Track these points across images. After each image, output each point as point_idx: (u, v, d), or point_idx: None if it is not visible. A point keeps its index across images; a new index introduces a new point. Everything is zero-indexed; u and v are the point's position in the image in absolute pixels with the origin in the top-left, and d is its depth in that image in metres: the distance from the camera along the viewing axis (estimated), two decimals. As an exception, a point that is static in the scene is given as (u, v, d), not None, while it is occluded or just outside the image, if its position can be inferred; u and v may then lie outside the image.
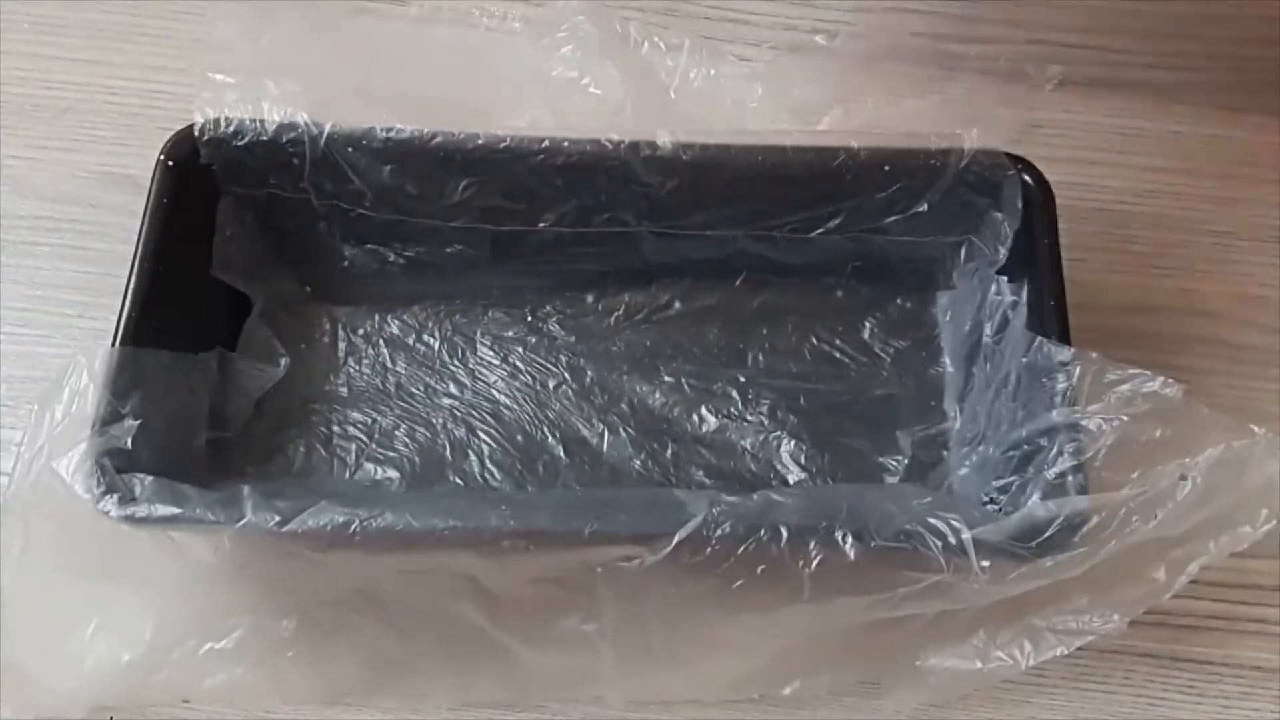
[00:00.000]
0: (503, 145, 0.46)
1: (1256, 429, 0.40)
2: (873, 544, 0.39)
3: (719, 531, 0.39)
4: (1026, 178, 0.47)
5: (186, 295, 0.46)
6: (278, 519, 0.39)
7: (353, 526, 0.38)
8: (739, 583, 0.39)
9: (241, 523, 0.38)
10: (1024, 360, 0.44)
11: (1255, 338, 0.52)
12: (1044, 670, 0.45)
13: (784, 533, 0.39)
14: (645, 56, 0.51)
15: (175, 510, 0.39)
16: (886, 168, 0.47)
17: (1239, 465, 0.39)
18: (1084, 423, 0.41)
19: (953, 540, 0.39)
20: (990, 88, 0.55)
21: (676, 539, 0.38)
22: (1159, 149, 0.57)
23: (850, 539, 0.39)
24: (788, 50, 0.53)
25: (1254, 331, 0.52)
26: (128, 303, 0.43)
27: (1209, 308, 0.53)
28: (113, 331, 0.43)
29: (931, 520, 0.39)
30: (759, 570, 0.39)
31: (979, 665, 0.41)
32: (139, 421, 0.41)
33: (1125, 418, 0.41)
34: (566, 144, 0.46)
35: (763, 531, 0.39)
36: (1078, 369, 0.42)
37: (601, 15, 0.51)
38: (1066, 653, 0.41)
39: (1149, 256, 0.54)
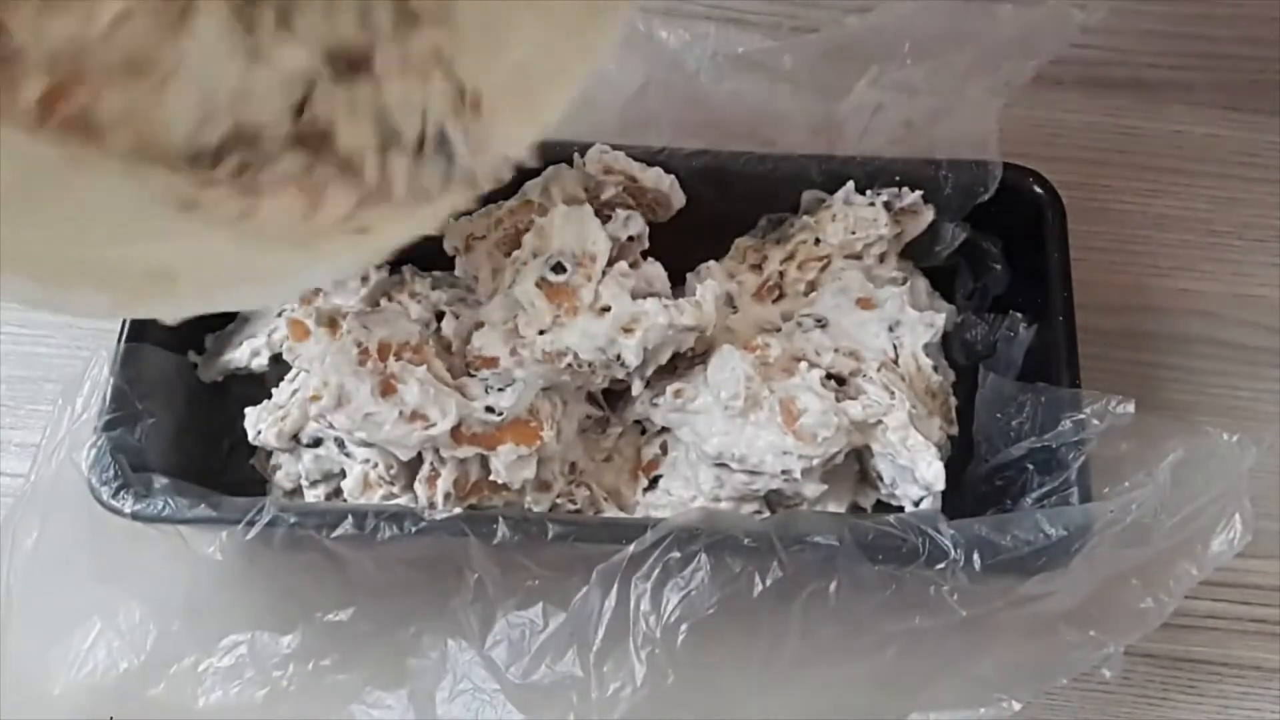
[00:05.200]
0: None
1: (1211, 429, 0.40)
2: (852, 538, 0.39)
3: (685, 536, 0.39)
4: (1038, 189, 0.47)
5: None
6: (295, 517, 0.39)
7: (368, 514, 0.39)
8: (712, 606, 0.39)
9: (262, 513, 0.39)
10: (983, 397, 0.45)
11: (1255, 338, 0.52)
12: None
13: (744, 541, 0.39)
14: (668, 45, 0.51)
15: (190, 508, 0.40)
16: (896, 176, 0.47)
17: (1204, 467, 0.40)
18: (1040, 451, 0.42)
19: (931, 532, 0.39)
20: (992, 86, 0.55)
21: (650, 535, 0.39)
22: (1159, 149, 0.57)
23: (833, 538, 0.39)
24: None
25: (1254, 331, 0.52)
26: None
27: (1209, 308, 0.53)
28: (117, 331, 0.44)
29: (912, 521, 0.40)
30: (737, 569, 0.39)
31: (981, 712, 0.40)
32: (154, 420, 0.42)
33: (1084, 440, 0.41)
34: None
35: (746, 539, 0.39)
36: (1030, 401, 0.43)
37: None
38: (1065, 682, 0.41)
39: (1149, 256, 0.54)
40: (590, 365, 0.42)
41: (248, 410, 0.44)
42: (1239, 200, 0.55)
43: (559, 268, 0.42)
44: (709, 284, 0.43)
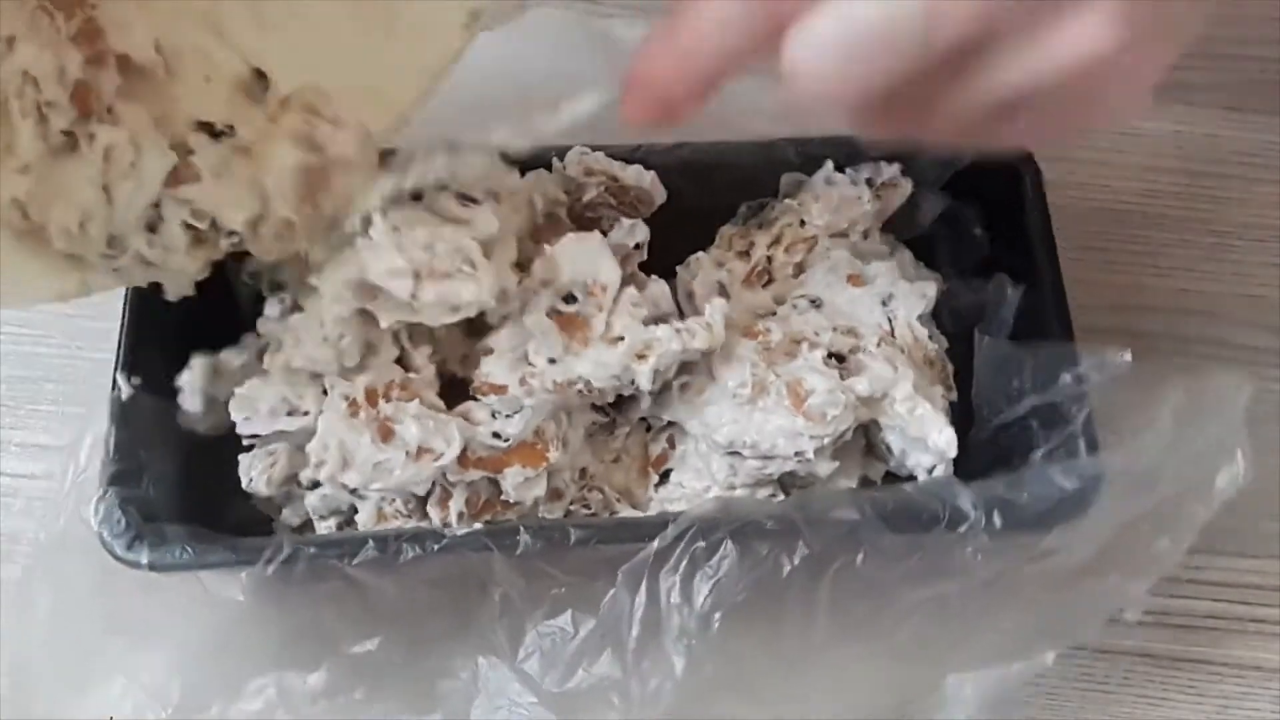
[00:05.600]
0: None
1: (1206, 368, 0.42)
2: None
3: (707, 526, 0.39)
4: (1014, 153, 0.47)
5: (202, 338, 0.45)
6: (315, 548, 0.39)
7: (388, 537, 0.39)
8: (742, 592, 0.39)
9: (281, 549, 0.39)
10: (981, 359, 0.45)
11: (1255, 338, 0.52)
12: (1043, 670, 0.45)
13: (767, 525, 0.39)
14: (625, 44, 0.51)
15: (208, 552, 0.39)
16: (873, 152, 0.47)
17: (1202, 407, 0.40)
18: (1043, 408, 0.42)
19: (949, 497, 0.39)
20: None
21: (671, 529, 0.39)
22: (1159, 149, 0.57)
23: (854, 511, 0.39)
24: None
25: (1254, 331, 0.52)
26: (126, 341, 0.43)
27: (1208, 308, 0.53)
28: (118, 332, 0.44)
29: (930, 487, 0.40)
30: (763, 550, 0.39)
31: (1015, 666, 0.40)
32: (157, 469, 0.41)
33: (1085, 392, 0.41)
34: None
35: (768, 522, 0.39)
36: (1028, 360, 0.43)
37: (578, 17, 0.52)
38: (1090, 638, 0.42)
39: (1148, 256, 0.54)
40: (601, 390, 0.42)
41: (240, 458, 0.44)
42: (1239, 200, 0.55)
43: (570, 298, 0.42)
44: (717, 303, 0.43)
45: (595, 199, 0.46)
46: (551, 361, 0.41)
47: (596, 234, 0.44)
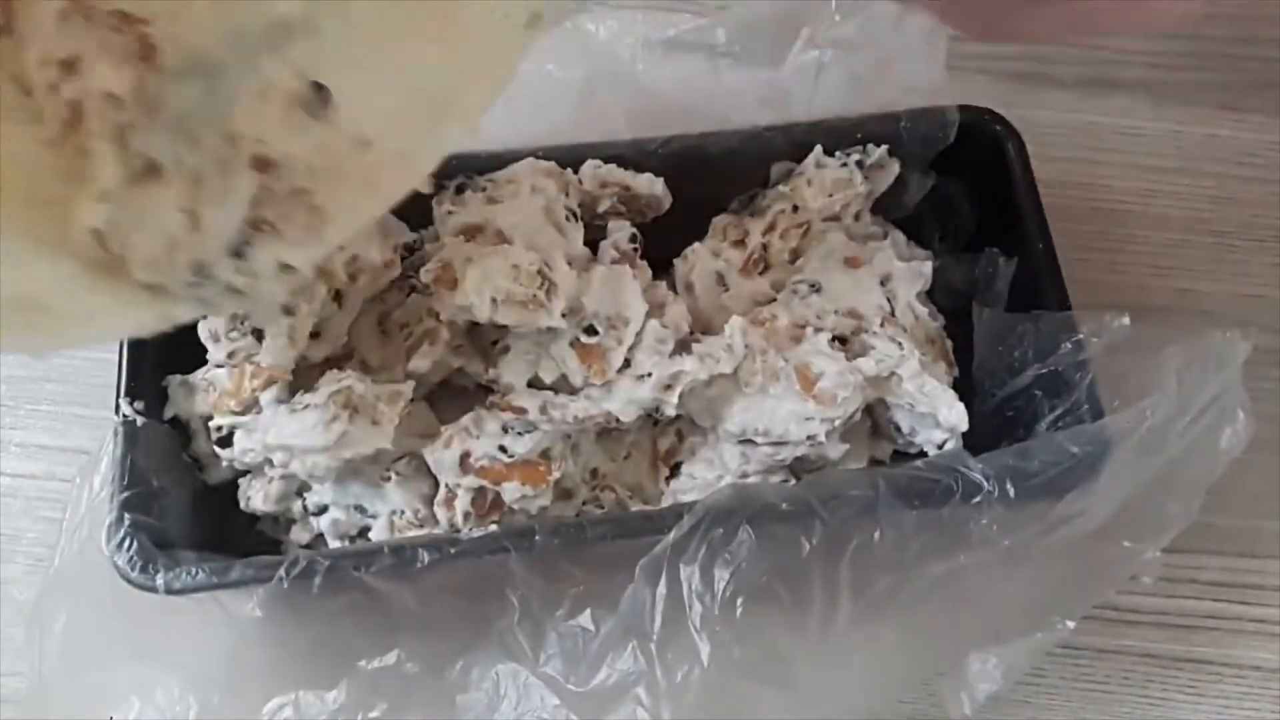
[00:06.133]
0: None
1: (1204, 327, 0.42)
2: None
3: (723, 513, 0.39)
4: (997, 126, 0.47)
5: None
6: (330, 559, 0.39)
7: (405, 545, 0.39)
8: (763, 576, 0.39)
9: (297, 563, 0.38)
10: (980, 332, 0.45)
11: (1255, 338, 0.52)
12: (1043, 670, 0.45)
13: (783, 507, 0.39)
14: (598, 37, 0.51)
15: (225, 571, 0.39)
16: (859, 135, 0.47)
17: (1203, 366, 0.41)
18: (1045, 377, 0.43)
19: (961, 469, 0.39)
20: (991, 87, 0.56)
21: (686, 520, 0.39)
22: (1159, 149, 0.57)
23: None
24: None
25: (1254, 331, 0.52)
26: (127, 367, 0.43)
27: (1209, 308, 0.53)
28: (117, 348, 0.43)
29: (941, 462, 0.40)
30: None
31: (1038, 636, 0.40)
32: (168, 495, 0.41)
33: (1086, 359, 0.42)
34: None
35: (784, 505, 0.39)
36: (1028, 330, 0.43)
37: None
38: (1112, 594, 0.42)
39: (1148, 256, 0.54)
40: (621, 420, 0.42)
41: (240, 481, 0.44)
42: (1239, 200, 0.55)
43: (591, 330, 0.42)
44: (735, 322, 0.43)
45: (609, 209, 0.46)
46: (569, 385, 0.42)
47: (626, 269, 0.44)
